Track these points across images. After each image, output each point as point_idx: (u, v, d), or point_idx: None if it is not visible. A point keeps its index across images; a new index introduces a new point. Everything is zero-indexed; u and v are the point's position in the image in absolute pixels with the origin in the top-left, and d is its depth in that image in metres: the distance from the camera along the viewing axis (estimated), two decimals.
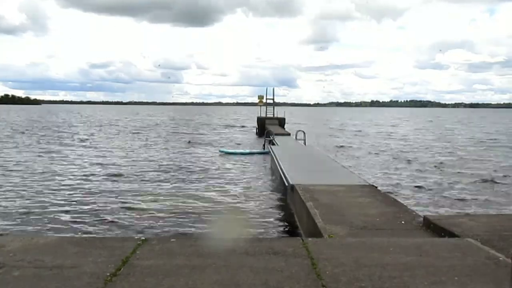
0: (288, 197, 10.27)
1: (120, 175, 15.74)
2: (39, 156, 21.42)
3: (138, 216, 9.91)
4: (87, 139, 32.29)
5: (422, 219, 6.12)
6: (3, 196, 11.90)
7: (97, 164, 18.66)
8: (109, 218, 9.77)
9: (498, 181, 15.13)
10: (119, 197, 11.91)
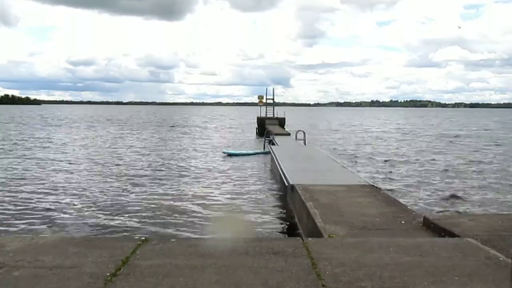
0: (288, 197, 10.26)
1: (120, 173, 15.75)
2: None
3: (138, 216, 9.90)
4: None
5: (422, 219, 6.13)
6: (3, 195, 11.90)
7: (96, 161, 18.68)
8: (109, 218, 9.76)
9: (498, 181, 15.13)
10: (118, 197, 11.90)
